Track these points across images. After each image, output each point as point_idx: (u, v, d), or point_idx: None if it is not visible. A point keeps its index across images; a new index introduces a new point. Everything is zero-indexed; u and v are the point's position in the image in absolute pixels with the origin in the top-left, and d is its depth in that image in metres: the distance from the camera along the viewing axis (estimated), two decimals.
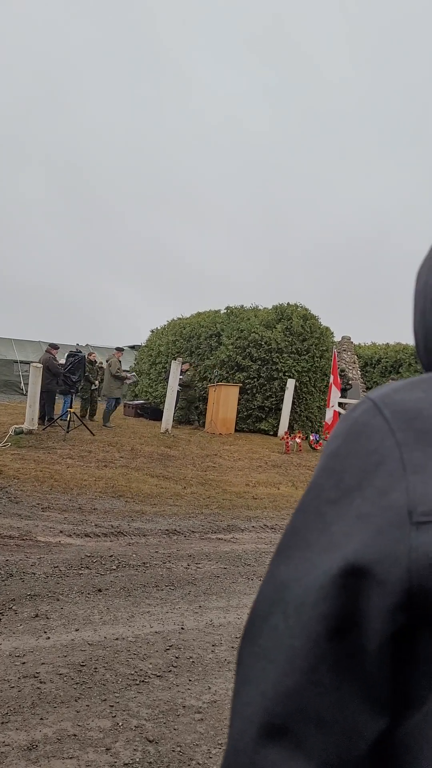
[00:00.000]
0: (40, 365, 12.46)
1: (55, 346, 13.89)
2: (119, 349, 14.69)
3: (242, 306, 16.63)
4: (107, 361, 14.59)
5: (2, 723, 2.88)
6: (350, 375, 20.40)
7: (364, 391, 21.46)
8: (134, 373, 14.32)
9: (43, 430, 12.25)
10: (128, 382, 14.31)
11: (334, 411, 14.38)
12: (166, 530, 7.01)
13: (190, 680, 3.50)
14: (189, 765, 2.71)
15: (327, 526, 0.52)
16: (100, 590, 4.83)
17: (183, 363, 15.10)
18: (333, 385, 14.43)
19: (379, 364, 22.74)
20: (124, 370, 14.43)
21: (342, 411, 17.53)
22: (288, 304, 16.21)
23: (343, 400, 18.08)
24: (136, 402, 18.07)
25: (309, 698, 0.48)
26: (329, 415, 14.48)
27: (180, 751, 2.80)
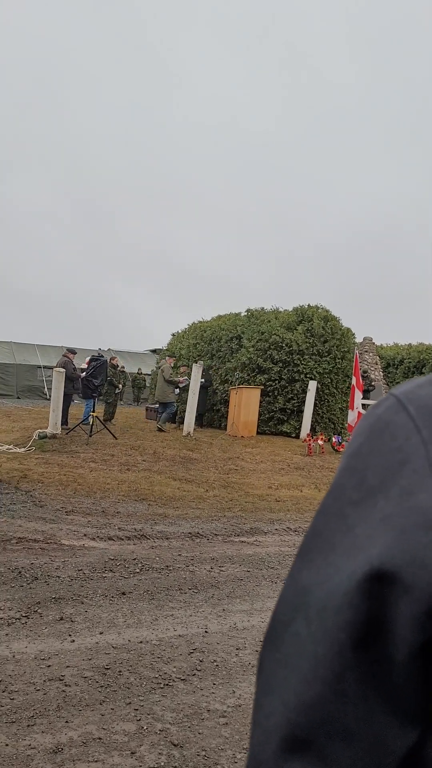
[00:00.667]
0: (62, 370, 12.58)
1: (72, 351, 14.01)
2: (171, 355, 14.89)
3: (263, 308, 16.61)
4: (159, 367, 14.84)
5: (28, 726, 2.90)
6: (373, 376, 20.24)
7: (387, 392, 21.29)
8: (186, 377, 14.42)
9: (66, 434, 12.35)
10: (182, 385, 14.44)
11: (358, 413, 14.26)
12: (189, 533, 7.01)
13: (214, 684, 3.48)
14: None
15: (350, 529, 0.50)
16: (123, 593, 4.84)
17: (181, 366, 15.15)
18: (355, 387, 14.31)
19: (401, 365, 22.53)
20: (182, 377, 14.57)
21: (364, 411, 17.39)
22: (308, 305, 16.15)
23: (366, 402, 17.93)
24: (157, 405, 18.13)
25: (333, 709, 0.46)
26: (352, 417, 14.35)
27: (205, 756, 2.79)
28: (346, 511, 0.51)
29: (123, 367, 15.62)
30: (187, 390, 15.10)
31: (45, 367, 27.06)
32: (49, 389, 23.77)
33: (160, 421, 14.43)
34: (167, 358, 14.85)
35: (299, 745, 0.46)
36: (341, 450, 13.36)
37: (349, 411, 14.58)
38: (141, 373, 27.98)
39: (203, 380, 14.62)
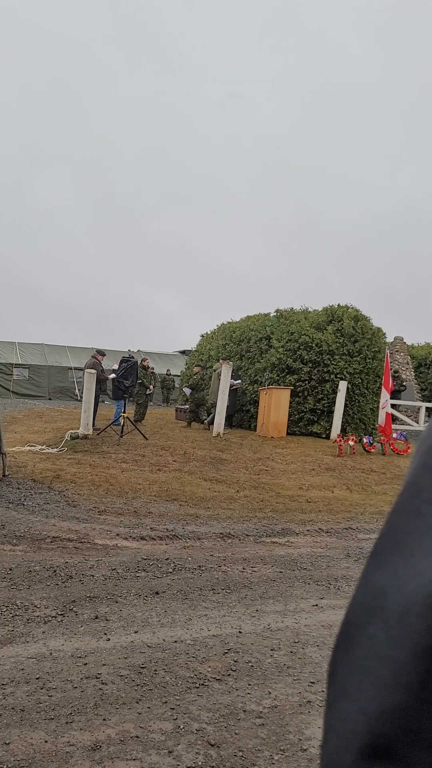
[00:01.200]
0: (93, 371, 12.70)
1: (101, 353, 14.12)
2: (226, 358, 15.08)
3: (292, 308, 16.53)
4: (215, 370, 15.03)
5: (67, 723, 2.93)
6: (404, 376, 19.98)
7: (419, 393, 20.98)
8: (240, 381, 14.54)
9: (98, 435, 12.48)
10: (233, 388, 14.59)
11: (387, 413, 14.10)
12: (221, 533, 7.01)
13: (249, 684, 3.48)
14: None
15: (430, 529, 0.48)
16: (157, 593, 4.87)
17: (195, 366, 15.19)
18: (383, 387, 14.16)
19: None
20: (236, 380, 14.72)
21: (395, 413, 17.20)
22: (338, 305, 16.02)
23: (397, 402, 17.72)
24: (187, 406, 18.19)
25: (418, 718, 0.44)
26: (382, 417, 14.21)
27: (242, 756, 2.78)
28: (425, 510, 0.50)
29: (153, 369, 15.70)
30: (200, 390, 15.22)
31: (76, 368, 27.37)
32: (80, 390, 24.01)
33: (208, 421, 14.98)
34: (221, 360, 14.98)
35: (381, 754, 0.45)
36: (372, 450, 13.22)
37: (380, 411, 14.44)
38: (170, 374, 28.11)
39: (239, 381, 14.62)
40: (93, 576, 5.18)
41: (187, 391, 15.29)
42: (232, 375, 14.32)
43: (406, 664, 0.45)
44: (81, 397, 14.99)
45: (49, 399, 27.15)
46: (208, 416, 15.00)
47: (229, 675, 3.57)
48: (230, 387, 14.37)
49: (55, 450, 11.23)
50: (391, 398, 16.75)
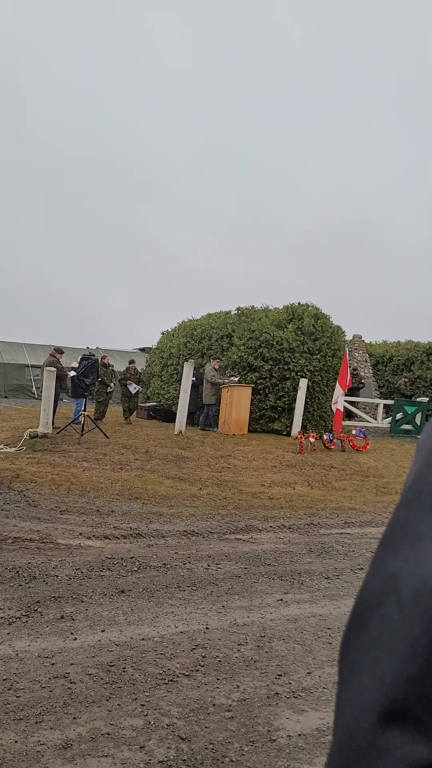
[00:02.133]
0: (53, 369, 12.54)
1: (60, 351, 13.95)
2: (214, 358, 15.05)
3: (253, 306, 16.64)
4: (203, 369, 15.01)
5: (36, 722, 2.92)
6: (362, 374, 20.36)
7: (376, 390, 21.42)
8: (232, 377, 14.55)
9: (57, 433, 12.32)
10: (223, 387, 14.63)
11: (337, 409, 14.31)
12: (185, 531, 7.04)
13: (218, 679, 3.52)
14: (222, 762, 2.73)
15: None
16: (123, 591, 4.86)
17: (103, 357, 15.19)
18: (338, 384, 14.35)
19: (390, 362, 22.69)
20: (221, 377, 14.69)
21: (355, 410, 17.51)
22: (299, 303, 16.21)
23: (356, 399, 18.06)
24: (148, 404, 18.12)
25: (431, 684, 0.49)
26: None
27: (213, 749, 2.82)
28: (431, 503, 0.54)
29: (113, 367, 15.59)
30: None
31: (33, 366, 26.91)
32: (38, 388, 23.60)
33: (201, 423, 15.07)
34: (211, 359, 14.97)
35: (397, 716, 0.49)
36: (332, 447, 13.44)
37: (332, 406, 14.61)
38: (138, 374, 27.78)
39: (194, 378, 14.65)
40: (57, 576, 5.13)
41: (134, 388, 15.26)
42: (194, 373, 14.35)
43: (421, 638, 0.50)
44: (39, 396, 14.78)
45: (5, 397, 26.62)
46: (205, 419, 15.12)
47: (197, 670, 3.60)
48: (222, 386, 14.46)
49: (13, 449, 11.04)
50: (350, 395, 17.05)
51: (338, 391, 14.31)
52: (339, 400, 14.31)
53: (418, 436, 15.38)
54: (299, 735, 3.01)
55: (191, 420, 15.37)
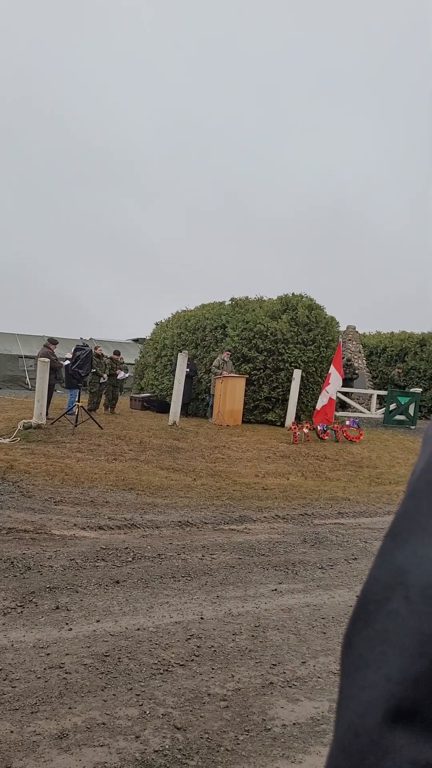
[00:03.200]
0: (47, 360, 12.49)
1: (54, 341, 13.89)
2: (226, 350, 15.09)
3: (247, 297, 16.61)
4: (196, 360, 15.11)
5: (32, 713, 2.92)
6: (356, 364, 20.39)
7: (370, 381, 21.46)
8: (233, 371, 14.63)
9: (51, 424, 12.29)
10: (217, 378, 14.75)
11: (330, 399, 14.30)
12: (179, 522, 7.05)
13: (213, 669, 3.53)
14: (218, 751, 2.75)
15: None
16: (117, 582, 4.87)
17: (96, 347, 15.17)
18: (331, 374, 14.35)
19: (384, 353, 22.73)
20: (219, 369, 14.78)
21: (348, 401, 17.54)
22: (293, 294, 16.19)
23: (350, 390, 18.08)
24: (143, 395, 18.10)
25: None
26: (321, 402, 14.33)
27: (208, 738, 2.84)
28: None
29: (107, 357, 15.53)
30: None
31: (27, 357, 26.80)
32: (32, 379, 23.52)
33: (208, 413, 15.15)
34: (224, 351, 14.97)
35: (404, 716, 0.48)
36: (326, 438, 13.47)
37: (320, 395, 14.59)
38: (122, 362, 27.72)
39: (188, 369, 14.64)
40: (52, 567, 5.13)
41: (122, 375, 15.25)
42: (188, 364, 14.33)
43: (431, 635, 0.48)
44: (32, 387, 14.73)
45: None
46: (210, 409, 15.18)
47: (192, 660, 3.62)
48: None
49: (7, 440, 11.01)
50: (343, 386, 17.06)
51: (337, 380, 14.31)
52: (333, 390, 14.31)
53: (412, 427, 15.40)
54: (294, 724, 3.03)
55: (185, 411, 15.37)
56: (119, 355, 15.64)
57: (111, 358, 15.23)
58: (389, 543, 0.55)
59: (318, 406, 14.38)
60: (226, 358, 14.77)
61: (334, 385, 14.30)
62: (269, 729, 2.96)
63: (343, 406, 17.64)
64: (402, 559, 0.52)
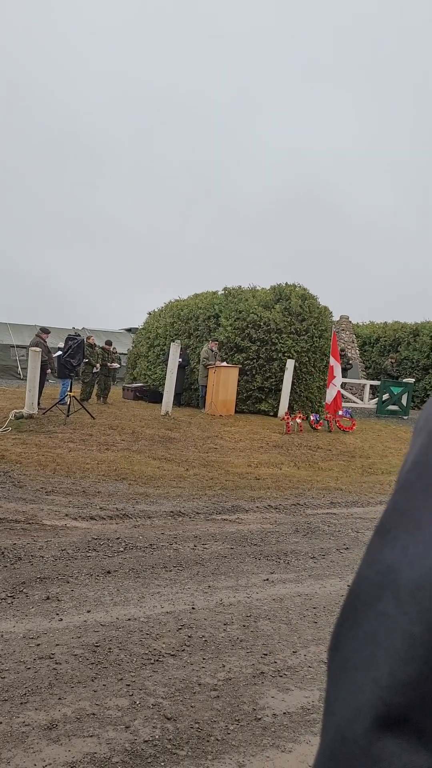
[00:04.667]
0: (38, 350, 12.41)
1: (46, 330, 13.79)
2: (214, 340, 15.03)
3: (240, 287, 16.55)
4: (189, 350, 15.07)
5: (21, 703, 2.90)
6: (350, 354, 20.39)
7: (363, 371, 21.48)
8: (224, 363, 14.60)
9: (43, 414, 12.24)
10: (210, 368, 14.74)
11: (338, 391, 14.41)
12: (171, 512, 7.03)
13: (204, 659, 3.52)
14: (208, 741, 2.74)
15: None
16: (109, 572, 4.85)
17: (88, 337, 15.13)
18: (334, 366, 14.42)
19: (377, 343, 22.76)
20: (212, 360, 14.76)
21: (342, 390, 17.58)
22: (286, 284, 16.14)
23: (343, 380, 18.10)
24: (135, 385, 18.05)
25: None
26: (330, 395, 14.47)
27: (198, 728, 2.83)
28: None
29: (99, 347, 15.46)
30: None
31: (18, 346, 26.66)
32: (24, 369, 23.41)
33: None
34: (210, 341, 14.92)
35: (395, 722, 0.46)
36: (319, 428, 13.49)
37: (327, 390, 14.72)
38: (116, 353, 27.65)
39: (180, 359, 14.60)
40: (43, 557, 5.11)
41: (114, 366, 15.26)
42: (181, 353, 14.28)
43: (421, 638, 0.46)
44: (24, 376, 14.68)
45: None
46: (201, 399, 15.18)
47: (183, 650, 3.61)
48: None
49: None
50: None
51: (338, 371, 14.41)
52: (339, 381, 14.44)
53: (404, 417, 15.48)
54: (284, 713, 3.02)
55: (178, 401, 15.34)
56: (111, 345, 15.57)
57: (103, 348, 15.15)
58: (378, 540, 0.52)
59: (328, 400, 14.45)
60: (214, 348, 14.72)
61: (338, 377, 14.40)
62: (260, 719, 2.96)
63: None
64: (392, 557, 0.50)
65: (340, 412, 14.20)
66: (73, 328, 25.53)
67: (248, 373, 14.90)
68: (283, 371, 14.45)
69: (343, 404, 16.52)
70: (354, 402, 17.56)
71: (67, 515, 6.54)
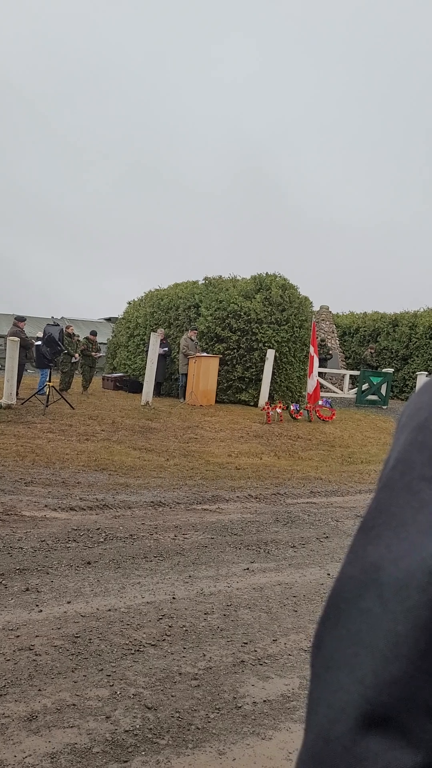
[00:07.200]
0: (17, 339, 12.28)
1: (21, 319, 13.62)
2: (193, 329, 14.91)
3: (220, 276, 16.50)
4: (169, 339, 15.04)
5: (1, 695, 2.89)
6: (329, 344, 20.49)
7: (343, 361, 21.61)
8: (203, 352, 14.54)
9: (22, 404, 12.13)
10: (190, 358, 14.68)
11: (317, 381, 14.51)
12: (151, 502, 7.03)
13: (184, 648, 3.54)
14: (188, 730, 2.75)
15: (424, 505, 0.49)
16: (89, 563, 4.84)
17: (67, 326, 15.06)
18: (314, 356, 14.50)
19: (357, 333, 22.90)
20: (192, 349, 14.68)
21: (322, 381, 17.66)
22: (267, 274, 16.14)
23: (323, 370, 18.20)
24: (115, 375, 17.96)
25: (417, 687, 0.45)
26: (311, 385, 14.56)
27: (179, 717, 2.84)
28: (418, 487, 0.50)
29: (79, 336, 15.35)
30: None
31: None
32: (2, 358, 23.17)
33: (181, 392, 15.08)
34: (189, 330, 14.85)
35: (378, 722, 0.45)
36: (299, 418, 13.55)
37: (308, 379, 14.80)
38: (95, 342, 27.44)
39: (165, 348, 14.58)
40: (22, 548, 5.08)
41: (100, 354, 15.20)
42: (161, 343, 14.24)
43: (406, 636, 0.46)
44: (1, 366, 14.51)
45: None
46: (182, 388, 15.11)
47: (164, 640, 3.62)
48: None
49: None
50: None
51: (317, 361, 14.53)
52: (316, 371, 14.56)
53: (384, 407, 15.66)
54: (264, 701, 3.05)
55: (158, 391, 15.30)
56: (95, 335, 15.47)
57: (87, 339, 15.06)
58: (362, 538, 0.52)
59: (309, 390, 14.55)
60: (193, 337, 14.69)
61: (316, 367, 14.52)
62: (240, 707, 2.98)
63: None
64: (376, 555, 0.49)
65: (320, 402, 14.28)
66: (52, 317, 25.29)
67: (229, 363, 14.90)
68: (264, 361, 14.48)
69: (323, 394, 16.61)
70: (334, 392, 17.67)
71: (46, 506, 6.50)
